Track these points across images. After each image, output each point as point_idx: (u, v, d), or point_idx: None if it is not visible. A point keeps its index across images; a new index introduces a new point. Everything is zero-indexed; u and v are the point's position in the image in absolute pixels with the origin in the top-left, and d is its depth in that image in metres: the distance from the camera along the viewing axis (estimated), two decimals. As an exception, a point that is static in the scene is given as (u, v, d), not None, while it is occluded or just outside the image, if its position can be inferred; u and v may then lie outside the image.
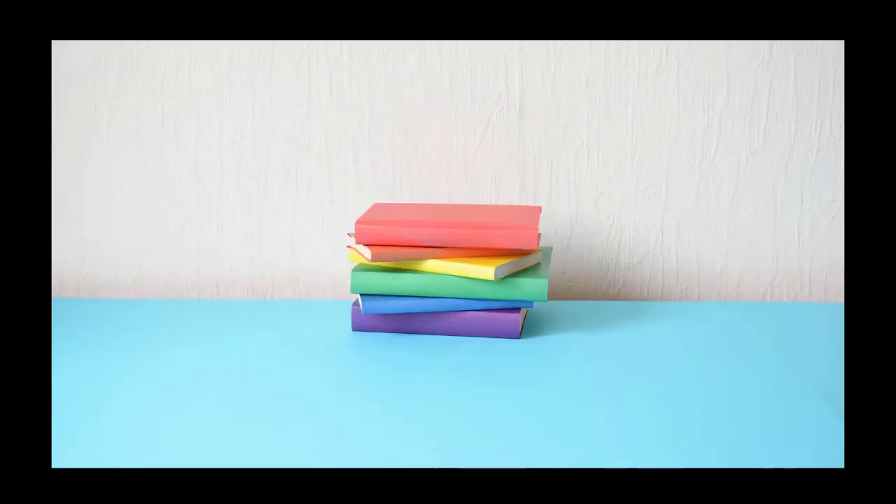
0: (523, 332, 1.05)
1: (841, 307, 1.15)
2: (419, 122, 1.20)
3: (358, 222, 1.02)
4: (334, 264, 1.24)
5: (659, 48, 1.18)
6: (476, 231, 1.01)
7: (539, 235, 1.00)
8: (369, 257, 1.01)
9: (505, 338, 1.02)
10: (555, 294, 1.23)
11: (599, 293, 1.23)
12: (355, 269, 1.03)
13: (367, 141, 1.20)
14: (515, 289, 1.01)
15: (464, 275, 1.00)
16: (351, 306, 1.14)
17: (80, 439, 0.76)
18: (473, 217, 1.05)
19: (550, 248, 1.14)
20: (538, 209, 1.10)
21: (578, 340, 1.02)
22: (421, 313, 1.03)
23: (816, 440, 0.76)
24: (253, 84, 1.20)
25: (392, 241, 1.02)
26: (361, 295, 1.03)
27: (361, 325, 1.04)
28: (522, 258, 1.03)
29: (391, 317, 1.03)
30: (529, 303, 1.02)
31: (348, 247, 1.05)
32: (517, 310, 1.03)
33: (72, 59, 1.20)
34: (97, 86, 1.20)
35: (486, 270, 0.99)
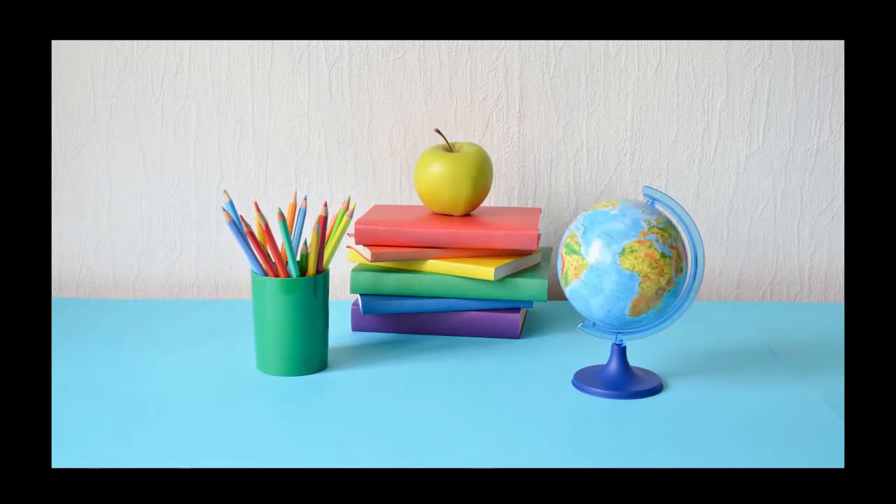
0: (523, 332, 1.05)
1: (841, 307, 1.15)
2: (419, 122, 1.20)
3: (358, 223, 1.02)
4: (334, 264, 1.24)
5: (658, 48, 1.18)
6: (476, 232, 1.01)
7: (539, 236, 1.00)
8: (369, 258, 1.01)
9: (505, 338, 1.02)
10: (555, 294, 1.23)
11: (599, 293, 1.23)
12: (355, 270, 1.03)
13: (367, 141, 1.20)
14: (515, 289, 1.01)
15: (463, 275, 1.00)
16: (350, 306, 1.14)
17: (80, 439, 0.76)
18: (473, 218, 1.05)
19: (550, 249, 1.14)
20: (538, 210, 1.10)
21: (578, 340, 1.02)
22: (420, 314, 1.03)
23: (816, 440, 0.76)
24: (252, 84, 1.20)
25: (392, 241, 1.02)
26: (361, 295, 1.03)
27: (361, 325, 1.04)
28: (522, 259, 1.03)
29: (391, 317, 1.03)
30: (529, 303, 1.02)
31: (348, 247, 1.05)
32: (517, 310, 1.03)
33: (72, 59, 1.20)
34: (97, 86, 1.20)
35: (485, 271, 0.99)
